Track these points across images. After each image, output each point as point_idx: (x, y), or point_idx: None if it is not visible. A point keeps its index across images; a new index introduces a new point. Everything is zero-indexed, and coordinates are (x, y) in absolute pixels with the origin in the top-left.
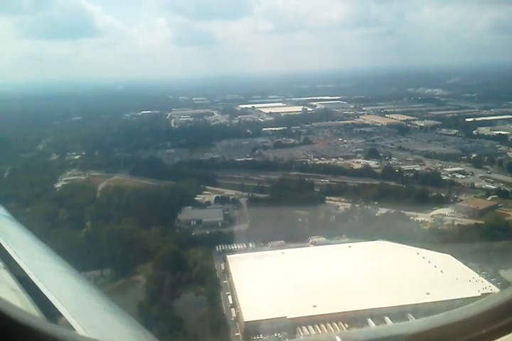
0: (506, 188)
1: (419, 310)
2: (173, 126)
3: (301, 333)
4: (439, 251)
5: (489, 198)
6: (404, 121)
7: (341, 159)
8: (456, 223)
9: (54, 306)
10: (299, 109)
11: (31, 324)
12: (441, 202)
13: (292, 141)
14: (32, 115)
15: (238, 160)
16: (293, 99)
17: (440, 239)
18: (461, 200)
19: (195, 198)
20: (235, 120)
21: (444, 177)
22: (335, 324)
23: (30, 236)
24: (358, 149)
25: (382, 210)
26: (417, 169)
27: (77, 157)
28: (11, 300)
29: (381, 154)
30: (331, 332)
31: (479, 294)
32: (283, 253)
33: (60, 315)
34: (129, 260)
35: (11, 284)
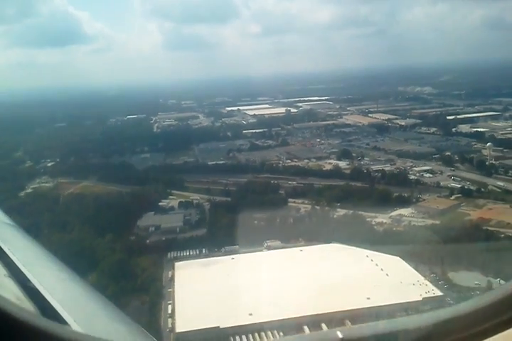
0: (472, 187)
1: (356, 315)
2: (154, 130)
3: None
4: (389, 253)
5: (452, 197)
6: (385, 120)
7: (314, 160)
8: (413, 224)
9: (59, 314)
10: (283, 110)
11: (31, 321)
12: (404, 202)
13: (270, 142)
14: (17, 122)
15: (211, 163)
16: (282, 100)
17: (393, 241)
18: (424, 200)
19: (160, 203)
20: (218, 123)
21: (412, 177)
22: (269, 332)
23: (35, 244)
24: (333, 150)
25: (342, 212)
26: (387, 169)
27: (50, 164)
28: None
29: (354, 154)
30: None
31: (420, 298)
32: (232, 258)
33: (65, 322)
34: (73, 270)
35: (16, 292)
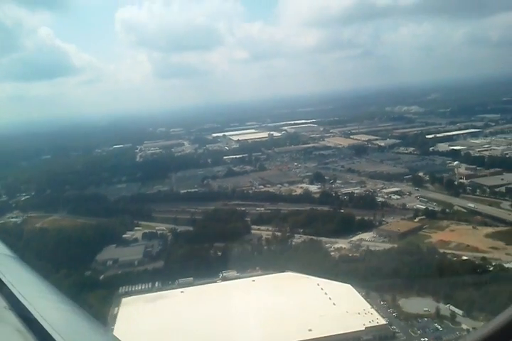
0: (437, 208)
1: None
2: (137, 159)
3: None
4: (341, 281)
5: (416, 220)
6: (366, 141)
7: (286, 185)
8: (371, 249)
9: None
10: (266, 135)
11: None
12: (367, 226)
13: (247, 168)
14: (3, 155)
15: (184, 192)
16: (269, 124)
17: (347, 268)
18: (387, 223)
19: (124, 235)
20: (201, 150)
21: (379, 199)
22: None
23: (35, 275)
24: (308, 173)
25: (303, 238)
26: (356, 191)
27: (24, 198)
28: None
29: (327, 177)
30: None
31: (363, 328)
32: (182, 292)
33: None
34: None
35: (16, 325)
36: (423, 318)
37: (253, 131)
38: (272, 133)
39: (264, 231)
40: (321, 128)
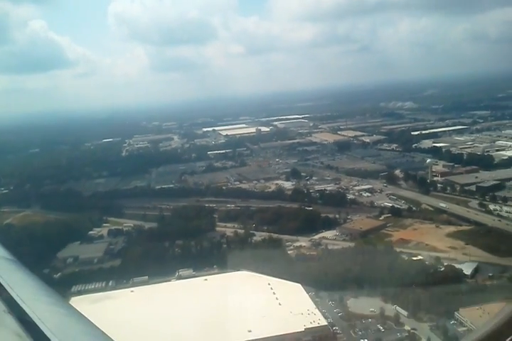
0: (405, 206)
1: None
2: (123, 154)
3: None
4: (293, 281)
5: (382, 218)
6: (352, 137)
7: (262, 181)
8: (330, 247)
9: None
10: (254, 130)
11: None
12: (331, 223)
13: (229, 163)
14: None
15: (160, 187)
16: (261, 119)
17: (303, 267)
18: (352, 221)
19: (91, 232)
20: (187, 144)
21: (350, 197)
22: None
23: (34, 279)
24: (286, 170)
25: (265, 236)
26: (329, 188)
27: (1, 192)
28: None
29: (304, 174)
30: None
31: (303, 329)
32: (132, 291)
33: None
34: None
35: (15, 329)
36: (367, 319)
37: (244, 125)
38: (259, 128)
39: (229, 229)
40: (311, 124)
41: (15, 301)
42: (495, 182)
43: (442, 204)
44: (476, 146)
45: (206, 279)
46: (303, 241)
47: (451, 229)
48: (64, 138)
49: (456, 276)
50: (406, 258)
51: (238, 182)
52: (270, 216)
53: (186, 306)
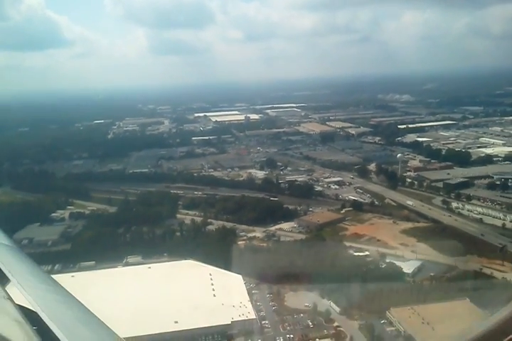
0: (369, 200)
1: (158, 340)
2: (109, 136)
3: None
4: (237, 272)
5: (343, 211)
6: (339, 128)
7: (237, 169)
8: (282, 239)
9: (57, 337)
10: (243, 117)
11: None
12: (292, 215)
13: (210, 150)
14: None
15: (134, 171)
16: (257, 106)
17: (249, 258)
18: (312, 213)
19: (54, 214)
20: (175, 129)
21: (318, 188)
22: None
23: (33, 266)
24: (264, 159)
25: (222, 225)
26: (300, 179)
27: None
28: (15, 331)
29: (280, 164)
30: None
31: (229, 322)
32: (72, 276)
33: None
34: None
35: (15, 315)
36: (300, 314)
37: (236, 112)
38: (248, 115)
39: (189, 216)
40: (303, 113)
41: (15, 288)
42: (463, 179)
43: (405, 200)
44: (459, 142)
45: (150, 267)
46: (258, 232)
47: (408, 225)
48: (56, 118)
49: (396, 274)
50: (351, 253)
51: (212, 170)
52: (233, 205)
53: (120, 294)
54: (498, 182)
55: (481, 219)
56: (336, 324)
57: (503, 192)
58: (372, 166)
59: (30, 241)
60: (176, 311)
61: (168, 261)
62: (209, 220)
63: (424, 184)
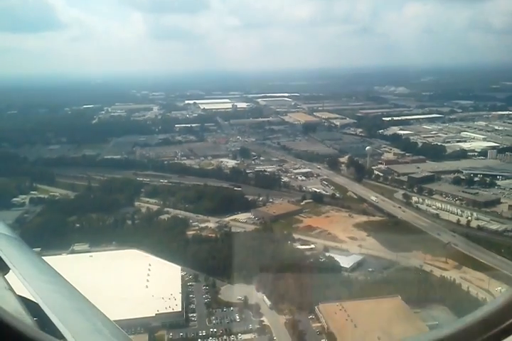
0: (331, 192)
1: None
2: (93, 121)
3: None
4: (177, 263)
5: (303, 203)
6: (325, 119)
7: (209, 158)
8: (234, 230)
9: (58, 329)
10: (230, 105)
11: (30, 334)
12: (250, 206)
13: (189, 138)
14: None
15: (106, 158)
16: (250, 95)
17: (194, 249)
18: (271, 204)
19: (15, 198)
20: (160, 116)
21: (284, 179)
22: None
23: (35, 256)
24: (238, 148)
25: (176, 215)
26: (269, 170)
27: None
28: None
29: (254, 154)
30: None
31: (154, 314)
32: None
33: (63, 337)
34: None
35: (16, 306)
36: (230, 307)
37: (227, 101)
38: (235, 104)
39: (147, 204)
40: (293, 103)
41: (16, 278)
42: (428, 174)
43: (367, 193)
44: (439, 136)
45: (91, 256)
46: (212, 223)
47: (363, 219)
48: (47, 101)
49: (334, 269)
50: (296, 246)
51: (185, 158)
52: (194, 194)
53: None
54: (464, 177)
55: (437, 214)
56: (262, 318)
57: (467, 188)
58: (344, 158)
59: None
60: (103, 301)
61: (112, 250)
62: (166, 209)
63: (390, 177)
